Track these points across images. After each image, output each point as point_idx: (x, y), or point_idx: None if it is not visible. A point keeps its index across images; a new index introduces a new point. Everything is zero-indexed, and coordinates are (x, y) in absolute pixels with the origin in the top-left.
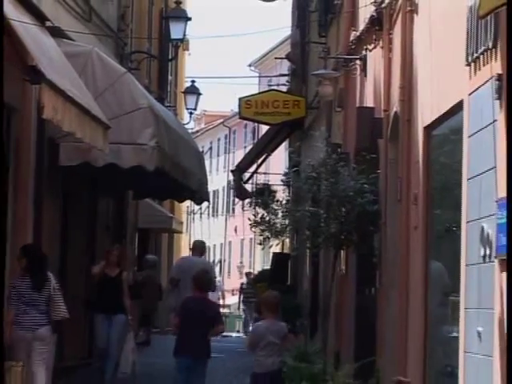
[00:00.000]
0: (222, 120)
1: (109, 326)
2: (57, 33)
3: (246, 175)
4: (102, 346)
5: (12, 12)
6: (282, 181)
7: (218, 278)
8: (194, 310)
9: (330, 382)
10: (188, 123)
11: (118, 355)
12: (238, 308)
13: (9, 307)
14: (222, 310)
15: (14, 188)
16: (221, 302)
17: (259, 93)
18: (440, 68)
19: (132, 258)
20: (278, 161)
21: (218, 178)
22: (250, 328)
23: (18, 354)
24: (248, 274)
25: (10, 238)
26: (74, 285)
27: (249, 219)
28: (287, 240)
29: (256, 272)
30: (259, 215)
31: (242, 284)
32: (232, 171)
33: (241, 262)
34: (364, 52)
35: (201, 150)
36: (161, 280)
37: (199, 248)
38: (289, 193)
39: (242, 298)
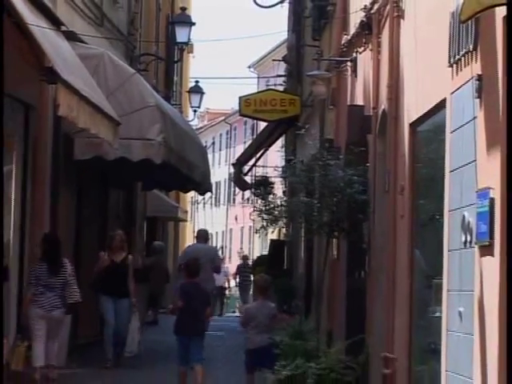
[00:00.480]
0: (223, 117)
1: (114, 308)
2: (71, 36)
3: (246, 168)
4: (112, 321)
5: (30, 17)
6: (278, 174)
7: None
8: (189, 293)
9: (322, 358)
10: (192, 120)
11: (125, 335)
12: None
13: (28, 289)
14: (227, 292)
15: (32, 180)
16: (226, 284)
17: (258, 92)
18: (424, 69)
19: (141, 244)
20: (275, 155)
21: (219, 171)
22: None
23: (35, 331)
24: (244, 258)
25: (29, 226)
26: (87, 269)
27: (254, 207)
28: (283, 228)
29: (255, 257)
30: (259, 205)
31: (239, 266)
32: (233, 164)
33: (241, 248)
34: (354, 54)
35: (204, 144)
36: (167, 265)
37: (203, 236)
38: (285, 185)
39: (238, 280)
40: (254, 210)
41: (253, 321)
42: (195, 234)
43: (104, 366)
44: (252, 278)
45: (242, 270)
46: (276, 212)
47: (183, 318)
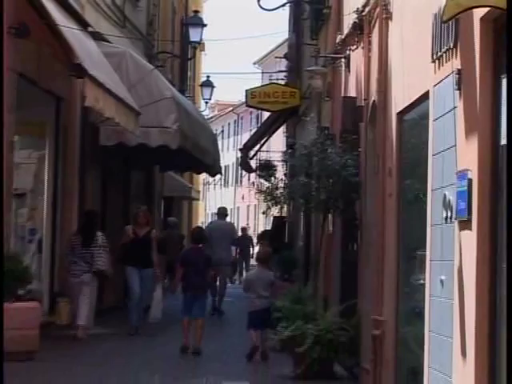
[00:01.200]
0: (231, 108)
1: (139, 278)
2: (97, 36)
3: (252, 153)
4: (138, 290)
5: (61, 19)
6: (280, 158)
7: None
8: (192, 258)
9: (319, 320)
10: (204, 110)
11: (148, 303)
12: None
13: (66, 258)
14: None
15: (63, 163)
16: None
17: (262, 85)
18: (410, 64)
19: (158, 220)
20: (278, 141)
21: (228, 155)
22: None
23: (71, 294)
24: (243, 230)
25: (60, 204)
26: (112, 241)
27: (257, 187)
28: (285, 206)
29: (259, 232)
30: (263, 186)
31: (239, 237)
32: (240, 150)
33: (247, 224)
34: (348, 52)
35: (214, 132)
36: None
37: (223, 213)
38: (286, 168)
39: (237, 250)
40: (259, 192)
41: (253, 287)
42: (216, 212)
43: (128, 333)
44: (251, 249)
45: (242, 241)
46: (278, 192)
47: (189, 278)
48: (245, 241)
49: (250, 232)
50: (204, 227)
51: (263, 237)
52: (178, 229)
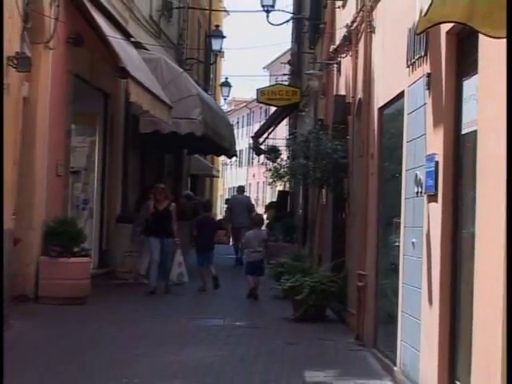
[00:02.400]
0: (245, 103)
1: (161, 246)
2: (137, 45)
3: (261, 140)
4: (157, 258)
5: (109, 31)
6: (284, 143)
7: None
8: (204, 223)
9: (315, 274)
10: (223, 105)
11: (169, 267)
12: None
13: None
14: None
15: (110, 147)
16: None
17: (270, 86)
18: (389, 69)
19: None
20: (282, 130)
21: (242, 142)
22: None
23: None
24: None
25: (107, 179)
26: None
27: (268, 169)
28: (287, 182)
29: (267, 203)
30: (271, 165)
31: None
32: (252, 137)
33: (257, 197)
34: (339, 59)
35: (231, 123)
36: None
37: (241, 189)
38: (289, 151)
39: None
40: (267, 170)
41: (250, 243)
42: (237, 188)
43: (146, 291)
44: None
45: None
46: (282, 171)
47: (201, 240)
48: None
49: (259, 203)
50: (226, 199)
51: (270, 206)
52: (193, 199)
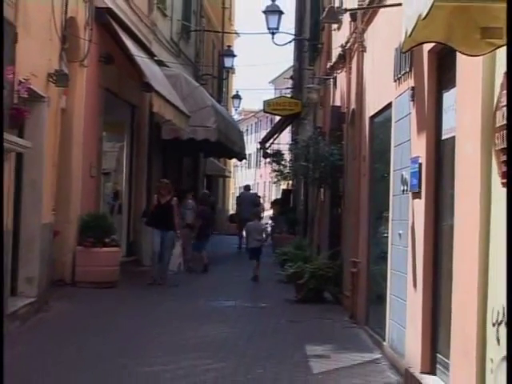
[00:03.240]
0: (253, 114)
1: (162, 238)
2: (160, 63)
3: (267, 145)
4: (157, 249)
5: (135, 51)
6: (287, 148)
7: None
8: (203, 215)
9: (314, 261)
10: (234, 115)
11: (168, 258)
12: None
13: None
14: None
15: (136, 151)
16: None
17: (275, 98)
18: (378, 83)
19: (201, 190)
20: (285, 136)
21: (251, 146)
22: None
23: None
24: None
25: (134, 180)
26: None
27: (271, 166)
28: (290, 181)
29: (272, 199)
30: (276, 167)
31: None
32: (259, 142)
33: (264, 195)
34: (335, 74)
35: (241, 130)
36: (217, 204)
37: (248, 187)
38: (291, 155)
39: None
40: (273, 171)
41: (251, 232)
42: (244, 186)
43: (148, 282)
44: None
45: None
46: (285, 172)
47: (201, 230)
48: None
49: (266, 199)
50: (236, 197)
51: (275, 203)
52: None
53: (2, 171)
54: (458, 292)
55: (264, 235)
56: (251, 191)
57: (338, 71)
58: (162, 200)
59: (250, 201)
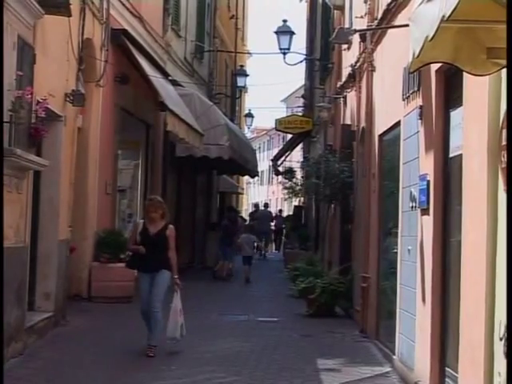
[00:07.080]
0: (265, 132)
1: (150, 286)
2: (174, 83)
3: (279, 162)
4: (145, 306)
5: (150, 71)
6: (299, 165)
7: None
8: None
9: (325, 277)
10: (247, 133)
11: (159, 318)
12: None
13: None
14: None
15: (151, 169)
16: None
17: (287, 116)
18: (387, 102)
19: (215, 208)
20: (297, 154)
21: (263, 164)
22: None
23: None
24: (280, 211)
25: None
26: (186, 223)
27: (284, 187)
28: (302, 198)
29: (284, 215)
30: (287, 184)
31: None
32: (271, 160)
33: (277, 211)
34: (345, 93)
35: (254, 148)
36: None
37: (266, 205)
38: (303, 172)
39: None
40: (284, 189)
41: (244, 244)
42: (262, 204)
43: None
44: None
45: (279, 219)
46: (297, 188)
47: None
48: (280, 218)
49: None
50: (250, 213)
51: (287, 219)
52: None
53: (2, 187)
54: (465, 306)
55: (255, 245)
56: (268, 208)
57: (348, 90)
58: (151, 228)
59: (267, 216)
